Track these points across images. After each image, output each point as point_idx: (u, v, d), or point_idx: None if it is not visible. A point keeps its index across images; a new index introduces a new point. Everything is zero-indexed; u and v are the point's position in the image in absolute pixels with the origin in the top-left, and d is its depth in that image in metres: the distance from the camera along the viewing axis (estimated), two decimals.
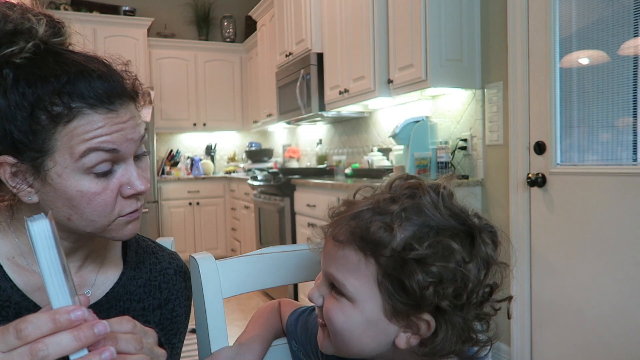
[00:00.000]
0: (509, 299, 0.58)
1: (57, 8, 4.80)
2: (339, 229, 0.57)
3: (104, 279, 0.75)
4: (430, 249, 0.52)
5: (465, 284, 0.53)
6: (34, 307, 0.66)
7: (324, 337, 0.61)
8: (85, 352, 0.46)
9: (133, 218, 0.67)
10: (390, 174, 2.78)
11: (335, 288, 0.58)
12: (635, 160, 1.71)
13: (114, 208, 0.65)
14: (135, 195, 0.66)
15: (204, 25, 5.58)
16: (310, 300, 0.61)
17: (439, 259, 0.52)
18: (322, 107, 3.45)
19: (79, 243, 0.71)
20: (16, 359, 0.44)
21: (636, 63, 1.68)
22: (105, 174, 0.63)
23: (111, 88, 0.62)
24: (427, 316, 0.54)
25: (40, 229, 0.45)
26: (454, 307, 0.53)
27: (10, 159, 0.61)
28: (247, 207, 4.45)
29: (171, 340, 0.80)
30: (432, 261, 0.52)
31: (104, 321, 0.47)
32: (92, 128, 0.60)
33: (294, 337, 0.78)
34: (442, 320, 0.54)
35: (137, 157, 0.68)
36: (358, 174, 3.22)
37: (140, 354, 0.51)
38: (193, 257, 0.75)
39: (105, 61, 0.65)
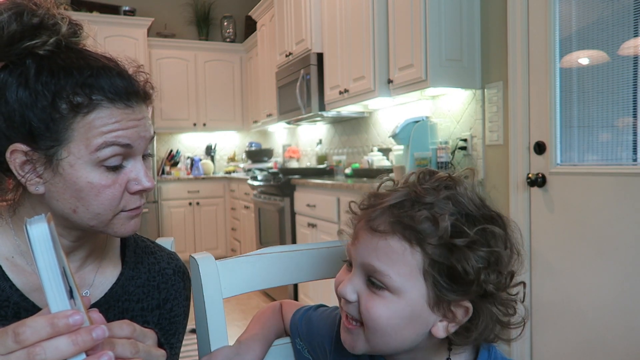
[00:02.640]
0: (522, 284, 0.59)
1: (57, 8, 4.79)
2: (377, 219, 0.56)
3: (103, 279, 0.75)
4: (478, 234, 0.54)
5: (503, 269, 0.55)
6: (32, 308, 0.66)
7: (354, 337, 0.59)
8: (83, 356, 0.46)
9: (135, 214, 0.69)
10: (390, 174, 2.78)
11: (372, 282, 0.56)
12: (635, 160, 1.71)
13: (119, 202, 0.66)
14: (141, 192, 0.68)
15: (204, 25, 5.58)
16: (342, 297, 0.59)
17: (485, 244, 0.54)
18: (322, 107, 3.45)
19: (80, 242, 0.71)
20: None
21: (636, 63, 1.68)
22: (115, 169, 0.64)
23: (129, 86, 0.65)
24: (466, 303, 0.55)
25: (39, 232, 0.45)
26: (496, 290, 0.55)
27: (23, 147, 0.62)
28: (247, 207, 4.45)
29: (170, 340, 0.80)
30: (480, 246, 0.53)
31: (102, 325, 0.47)
32: (109, 121, 0.62)
33: (298, 335, 0.78)
34: (480, 305, 0.55)
35: (143, 157, 0.69)
36: (358, 174, 3.22)
37: (136, 358, 0.51)
38: (193, 257, 0.75)
39: (119, 62, 0.68)
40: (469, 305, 0.55)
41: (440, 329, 0.56)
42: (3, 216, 0.71)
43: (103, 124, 0.62)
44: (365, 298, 0.57)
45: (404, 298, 0.55)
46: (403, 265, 0.54)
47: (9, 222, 0.70)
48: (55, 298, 0.46)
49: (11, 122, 0.61)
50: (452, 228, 0.53)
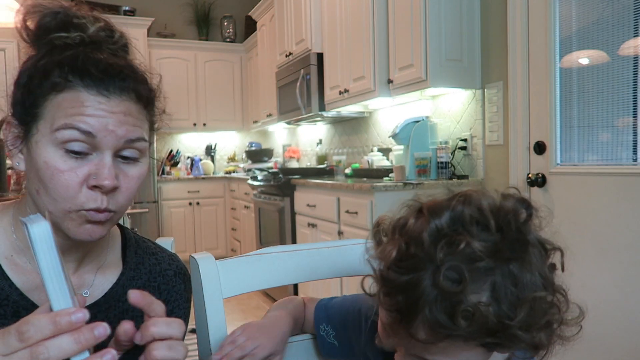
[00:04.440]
0: (561, 252, 0.58)
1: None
2: (412, 325, 0.51)
3: (103, 279, 0.75)
4: (526, 313, 0.49)
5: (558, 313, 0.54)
6: (31, 306, 0.66)
7: None
8: (86, 354, 0.46)
9: (94, 219, 0.63)
10: (391, 174, 2.78)
11: None
12: (635, 160, 1.71)
13: (77, 194, 0.62)
14: (100, 190, 0.63)
15: (204, 25, 5.58)
16: None
17: (538, 314, 0.50)
18: (322, 107, 3.45)
19: (72, 241, 0.70)
20: None
21: (636, 63, 1.68)
22: (78, 156, 0.62)
23: (113, 75, 0.63)
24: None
25: (41, 230, 0.45)
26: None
27: (13, 120, 0.65)
28: (247, 207, 4.45)
29: None
30: (531, 323, 0.50)
31: (104, 323, 0.47)
32: (76, 104, 0.61)
33: (325, 319, 0.78)
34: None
35: (126, 160, 0.65)
36: (358, 174, 3.22)
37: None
38: (193, 257, 0.75)
39: (133, 64, 0.68)
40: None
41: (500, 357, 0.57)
42: (5, 213, 0.71)
43: (70, 105, 0.61)
44: None
45: None
46: (460, 353, 0.52)
47: (9, 220, 0.70)
48: (57, 296, 0.46)
49: (13, 98, 0.66)
50: (496, 317, 0.48)
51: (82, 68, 0.62)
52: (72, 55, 0.63)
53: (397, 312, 0.52)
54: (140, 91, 0.66)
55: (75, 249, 0.71)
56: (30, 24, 0.67)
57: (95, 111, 0.61)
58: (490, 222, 0.50)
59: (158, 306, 0.55)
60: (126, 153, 0.65)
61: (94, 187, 0.62)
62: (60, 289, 0.46)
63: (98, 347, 0.48)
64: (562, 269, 0.56)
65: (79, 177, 0.62)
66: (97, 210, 0.63)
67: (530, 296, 0.49)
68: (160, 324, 0.53)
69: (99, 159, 0.62)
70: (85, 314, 0.46)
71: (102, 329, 0.46)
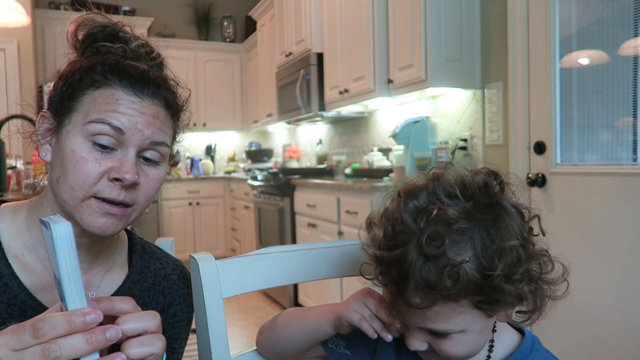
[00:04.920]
0: (537, 217, 0.62)
1: (57, 8, 4.80)
2: (408, 294, 0.56)
3: (109, 281, 0.76)
4: (505, 264, 0.54)
5: (539, 269, 0.59)
6: (39, 307, 0.67)
7: None
8: (96, 356, 0.47)
9: (107, 210, 0.65)
10: (391, 174, 2.79)
11: (437, 333, 0.59)
12: (635, 160, 1.71)
13: (95, 183, 0.64)
14: (120, 183, 0.64)
15: (204, 25, 5.58)
16: (414, 350, 0.62)
17: (517, 264, 0.55)
18: (322, 107, 3.45)
19: (94, 238, 0.71)
20: (28, 358, 0.45)
21: (636, 63, 1.68)
22: (104, 150, 0.65)
23: (148, 81, 0.68)
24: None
25: (63, 230, 0.46)
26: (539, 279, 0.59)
27: (47, 113, 0.69)
28: (247, 207, 4.45)
29: (172, 344, 0.81)
30: (513, 272, 0.55)
31: (116, 327, 0.48)
32: (111, 101, 0.65)
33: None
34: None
35: (147, 161, 0.68)
36: (358, 174, 3.22)
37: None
38: (193, 257, 0.75)
39: (167, 77, 0.75)
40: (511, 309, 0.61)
41: (502, 317, 0.62)
42: (21, 213, 0.71)
43: (105, 101, 0.65)
44: (437, 344, 0.60)
45: (470, 331, 0.59)
46: (456, 316, 0.57)
47: (23, 219, 0.71)
48: (73, 296, 0.47)
49: (52, 95, 0.69)
50: (479, 271, 0.54)
51: (122, 69, 0.67)
52: (114, 58, 0.69)
53: (393, 285, 0.57)
54: (169, 100, 0.71)
55: (88, 250, 0.72)
56: (80, 34, 0.73)
57: (127, 109, 0.65)
58: (458, 191, 0.57)
59: (123, 304, 0.53)
60: (148, 154, 0.68)
61: (114, 180, 0.65)
62: (77, 290, 0.47)
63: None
64: (543, 234, 0.62)
65: (101, 167, 0.64)
66: (113, 201, 0.65)
67: (506, 245, 0.55)
68: (130, 320, 0.51)
69: (123, 154, 0.66)
70: (99, 315, 0.46)
71: (113, 331, 0.47)
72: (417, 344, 0.61)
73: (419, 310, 0.56)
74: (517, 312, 0.63)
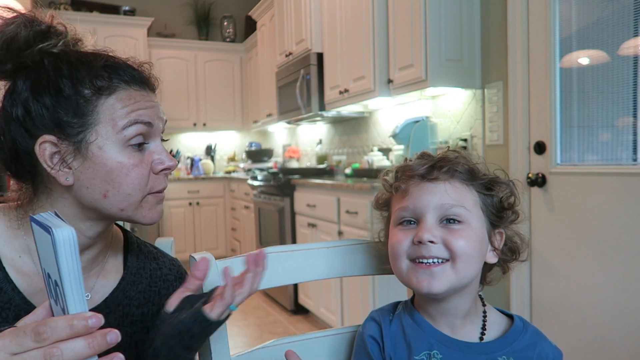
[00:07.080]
0: (512, 184, 0.76)
1: (57, 8, 4.80)
2: (432, 173, 0.69)
3: (104, 283, 0.75)
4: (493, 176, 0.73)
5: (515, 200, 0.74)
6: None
7: (440, 274, 0.66)
8: (95, 359, 0.47)
9: (160, 198, 0.71)
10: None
11: (447, 221, 0.68)
12: (635, 160, 1.71)
13: (147, 182, 0.68)
14: (164, 172, 0.70)
15: (204, 25, 5.58)
16: (428, 240, 0.67)
17: (503, 180, 0.73)
18: (322, 107, 3.45)
19: (96, 239, 0.71)
20: None
21: (636, 63, 1.68)
22: (140, 148, 0.67)
23: (139, 73, 0.70)
24: (501, 229, 0.72)
25: (66, 235, 0.46)
26: (515, 217, 0.73)
27: (51, 138, 0.64)
28: (247, 207, 4.45)
29: None
30: (499, 182, 0.72)
31: (116, 330, 0.48)
32: (130, 102, 0.67)
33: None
34: (507, 231, 0.72)
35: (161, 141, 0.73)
36: (358, 173, 3.22)
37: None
38: (193, 257, 0.75)
39: (122, 57, 0.72)
40: (502, 230, 0.72)
41: (491, 256, 0.71)
42: (14, 216, 0.71)
43: (125, 104, 0.66)
44: (447, 235, 0.67)
45: (473, 227, 0.68)
46: (468, 198, 0.69)
47: (19, 222, 0.70)
48: (74, 300, 0.47)
49: (37, 121, 0.64)
50: (484, 169, 0.72)
51: (117, 71, 0.67)
52: (96, 60, 0.67)
53: (419, 177, 0.70)
54: (148, 79, 0.72)
55: (90, 247, 0.72)
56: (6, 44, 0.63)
57: (146, 103, 0.68)
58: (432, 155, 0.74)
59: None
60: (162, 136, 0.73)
61: (162, 172, 0.69)
62: (78, 294, 0.47)
63: None
64: (519, 200, 0.74)
65: (148, 165, 0.68)
66: (162, 190, 0.71)
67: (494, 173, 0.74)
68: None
69: (154, 145, 0.70)
70: (100, 320, 0.46)
71: (114, 335, 0.47)
72: (431, 235, 0.67)
73: (439, 184, 0.68)
74: (502, 253, 0.73)
